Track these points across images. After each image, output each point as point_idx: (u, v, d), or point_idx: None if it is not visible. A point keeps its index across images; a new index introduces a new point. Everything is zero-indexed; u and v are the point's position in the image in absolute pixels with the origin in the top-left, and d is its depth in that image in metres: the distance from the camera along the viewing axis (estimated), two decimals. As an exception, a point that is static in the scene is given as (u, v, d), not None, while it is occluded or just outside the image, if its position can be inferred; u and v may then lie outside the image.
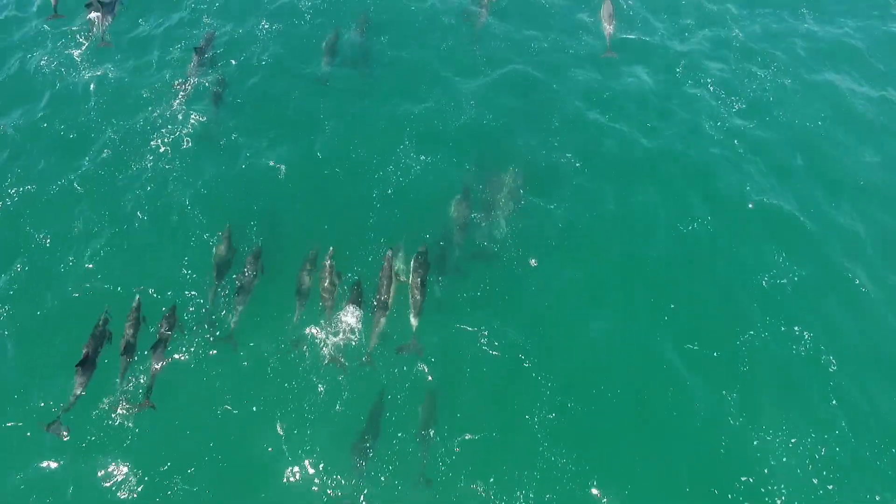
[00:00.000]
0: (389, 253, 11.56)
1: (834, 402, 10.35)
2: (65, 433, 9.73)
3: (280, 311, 11.31)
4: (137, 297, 11.08)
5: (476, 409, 10.43)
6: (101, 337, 10.55)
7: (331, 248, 11.60)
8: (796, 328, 10.96)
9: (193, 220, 12.42)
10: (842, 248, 12.11)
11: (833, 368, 10.58)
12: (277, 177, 13.16)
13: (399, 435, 10.14)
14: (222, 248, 11.80)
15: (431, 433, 10.12)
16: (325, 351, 10.81)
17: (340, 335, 11.01)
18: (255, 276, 11.46)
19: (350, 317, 11.18)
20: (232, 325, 11.01)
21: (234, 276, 11.55)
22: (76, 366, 10.08)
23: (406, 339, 10.90)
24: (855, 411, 10.24)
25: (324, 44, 15.61)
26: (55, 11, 16.05)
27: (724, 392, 10.45)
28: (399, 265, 11.62)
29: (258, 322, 11.21)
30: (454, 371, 10.79)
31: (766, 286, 11.48)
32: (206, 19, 16.33)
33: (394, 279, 11.30)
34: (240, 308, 11.16)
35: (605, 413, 10.32)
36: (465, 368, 10.83)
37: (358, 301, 11.27)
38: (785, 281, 11.50)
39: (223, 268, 11.66)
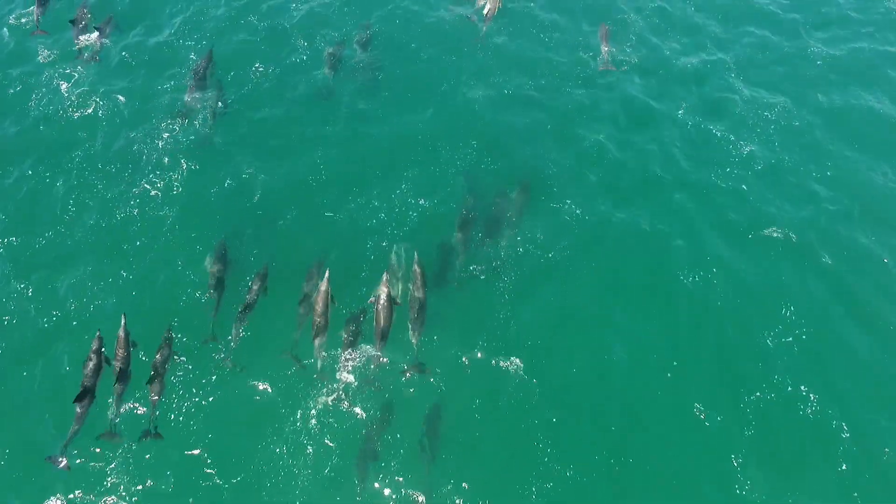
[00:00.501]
0: (386, 277, 11.28)
1: (844, 466, 9.94)
2: (64, 463, 9.70)
3: (277, 341, 11.11)
4: (123, 318, 10.72)
5: (472, 471, 10.05)
6: (97, 366, 10.33)
7: (327, 272, 11.33)
8: (803, 388, 10.56)
9: (188, 243, 12.29)
10: (852, 300, 11.69)
11: (845, 434, 10.16)
12: (277, 201, 13.01)
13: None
14: (217, 263, 11.74)
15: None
16: (320, 403, 10.56)
17: (334, 395, 10.66)
18: (257, 297, 11.35)
19: (346, 373, 10.86)
20: (232, 345, 10.95)
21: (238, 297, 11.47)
22: (74, 401, 9.92)
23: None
24: (868, 480, 9.79)
25: (326, 56, 15.53)
26: (38, 27, 15.86)
27: (731, 456, 10.05)
28: (396, 282, 11.46)
29: (252, 357, 10.98)
30: (450, 421, 10.48)
31: (770, 344, 11.08)
32: (192, 43, 16.03)
33: (392, 306, 11.07)
34: (241, 328, 11.11)
35: (605, 481, 9.92)
36: (461, 419, 10.51)
37: (354, 340, 11.05)
38: (791, 338, 11.10)
39: (219, 284, 11.56)
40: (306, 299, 11.41)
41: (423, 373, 10.79)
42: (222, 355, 10.92)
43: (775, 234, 12.61)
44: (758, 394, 10.52)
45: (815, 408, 10.35)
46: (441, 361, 10.97)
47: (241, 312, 11.21)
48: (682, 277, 11.98)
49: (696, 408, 10.46)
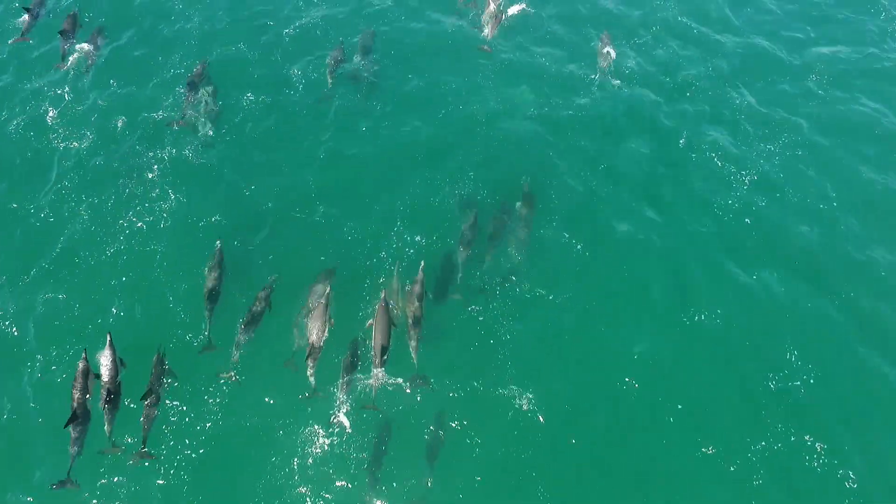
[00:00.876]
0: (384, 295, 11.13)
1: (850, 524, 9.85)
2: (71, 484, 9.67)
3: (270, 377, 10.93)
4: (108, 336, 10.51)
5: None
6: (84, 387, 10.14)
7: (328, 290, 11.19)
8: (808, 438, 10.39)
9: (176, 280, 11.92)
10: (861, 345, 11.44)
11: (852, 485, 9.99)
12: (266, 237, 12.65)
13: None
14: (213, 270, 11.57)
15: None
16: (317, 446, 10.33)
17: (331, 438, 10.42)
18: (262, 311, 11.27)
19: (343, 416, 10.58)
20: (234, 360, 10.84)
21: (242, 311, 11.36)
22: (65, 427, 9.78)
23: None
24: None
25: (328, 60, 15.28)
26: (23, 35, 15.36)
27: (736, 510, 9.91)
28: (394, 302, 11.40)
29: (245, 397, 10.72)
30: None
31: (773, 388, 10.89)
32: (182, 70, 15.41)
33: (390, 325, 10.93)
34: (243, 342, 11.02)
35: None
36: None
37: (352, 371, 10.84)
38: (798, 383, 10.93)
39: (214, 292, 11.40)
40: (306, 311, 11.25)
41: (425, 385, 10.68)
42: (226, 373, 10.76)
43: (781, 268, 12.44)
44: (763, 443, 10.35)
45: (823, 459, 10.18)
46: (444, 397, 10.77)
47: (244, 327, 11.07)
48: (684, 318, 11.77)
49: (703, 452, 10.29)
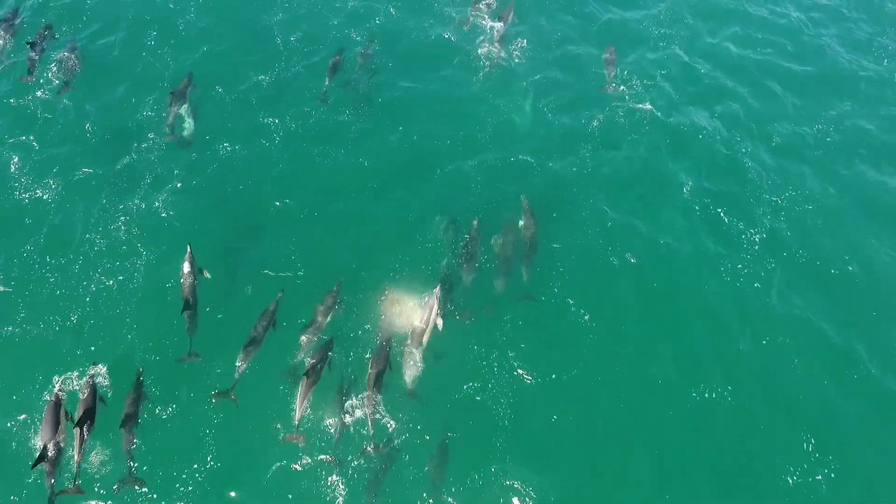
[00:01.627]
0: (384, 340, 10.79)
1: None
2: None
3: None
4: (91, 373, 10.34)
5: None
6: (55, 420, 9.75)
7: (329, 349, 10.71)
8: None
9: (147, 351, 11.03)
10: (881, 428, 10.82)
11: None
12: (239, 302, 11.71)
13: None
14: (186, 273, 11.14)
15: None
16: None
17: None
18: (266, 330, 10.83)
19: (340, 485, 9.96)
20: (236, 377, 10.41)
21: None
22: (33, 467, 9.42)
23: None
24: None
25: (329, 62, 15.07)
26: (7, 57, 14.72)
27: None
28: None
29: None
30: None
31: (792, 483, 10.15)
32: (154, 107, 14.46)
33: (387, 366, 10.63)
34: (245, 362, 10.58)
35: None
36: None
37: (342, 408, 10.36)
38: (820, 477, 10.17)
39: (191, 297, 10.97)
40: (311, 326, 11.01)
41: (416, 399, 10.47)
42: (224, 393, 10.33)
43: (789, 340, 11.74)
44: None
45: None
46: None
47: (246, 347, 10.63)
48: (693, 393, 11.08)
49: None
